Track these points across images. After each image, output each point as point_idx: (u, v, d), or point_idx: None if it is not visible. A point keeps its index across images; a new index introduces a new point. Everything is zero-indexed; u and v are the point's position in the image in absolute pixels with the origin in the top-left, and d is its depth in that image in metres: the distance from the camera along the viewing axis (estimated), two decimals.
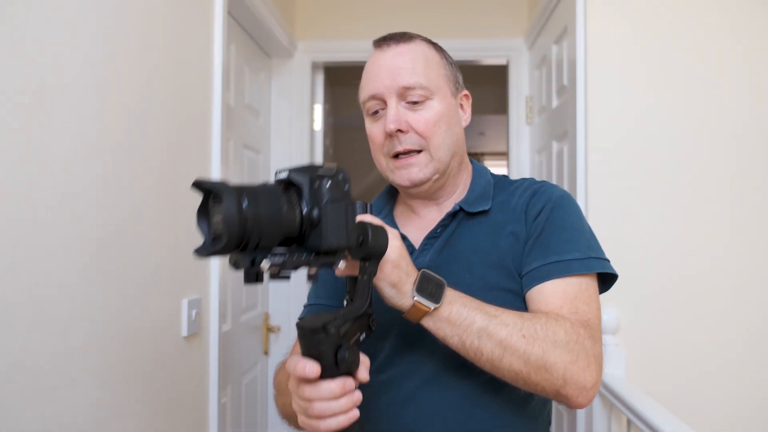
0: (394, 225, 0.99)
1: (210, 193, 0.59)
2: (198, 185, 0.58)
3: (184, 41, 1.45)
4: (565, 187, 1.90)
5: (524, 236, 0.91)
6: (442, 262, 0.91)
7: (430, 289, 0.77)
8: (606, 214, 1.69)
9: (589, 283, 0.88)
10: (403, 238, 0.94)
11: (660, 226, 1.69)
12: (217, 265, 1.61)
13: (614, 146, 1.71)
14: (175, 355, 1.40)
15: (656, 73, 1.70)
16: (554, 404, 1.99)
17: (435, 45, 0.97)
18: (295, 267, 0.63)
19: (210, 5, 1.63)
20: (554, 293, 0.85)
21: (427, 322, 0.78)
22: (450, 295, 0.78)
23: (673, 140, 1.69)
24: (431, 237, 0.94)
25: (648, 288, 1.67)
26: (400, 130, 0.89)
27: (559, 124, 1.98)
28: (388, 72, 0.91)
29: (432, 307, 0.76)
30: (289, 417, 0.90)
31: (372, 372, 0.89)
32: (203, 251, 0.58)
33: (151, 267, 1.28)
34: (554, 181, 2.05)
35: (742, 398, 1.65)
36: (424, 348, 0.88)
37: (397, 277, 0.75)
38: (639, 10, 1.72)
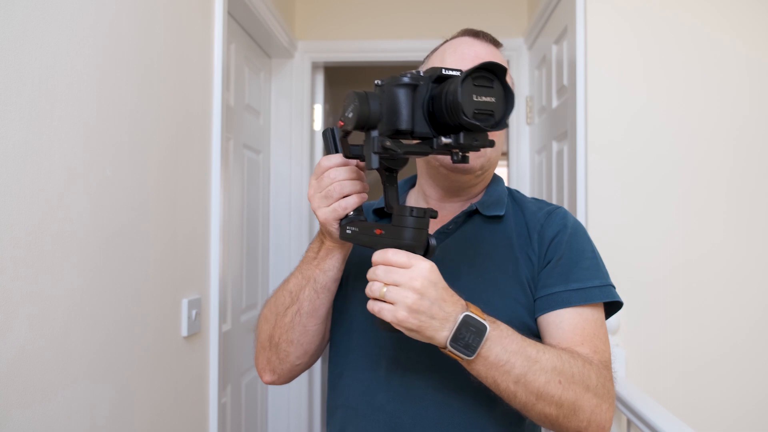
0: None
1: (488, 71, 0.66)
2: (487, 67, 0.65)
3: (184, 41, 1.45)
4: (565, 187, 1.90)
5: (537, 255, 0.92)
6: (450, 259, 0.91)
7: (473, 337, 0.73)
8: (606, 215, 1.69)
9: (602, 316, 0.91)
10: None
11: (660, 226, 1.69)
12: (217, 265, 1.61)
13: (614, 146, 1.71)
14: (175, 355, 1.40)
15: (656, 72, 1.71)
16: None
17: (507, 64, 0.99)
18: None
19: (210, 5, 1.63)
20: (574, 329, 0.86)
21: (461, 364, 0.76)
22: (491, 339, 0.74)
23: (673, 140, 1.69)
24: (442, 232, 0.94)
25: (648, 287, 1.67)
26: None
27: (559, 124, 1.98)
28: (486, 58, 0.91)
29: (466, 359, 0.74)
30: (277, 344, 0.93)
31: (370, 367, 0.91)
32: (500, 126, 0.67)
33: (151, 267, 1.28)
34: (554, 181, 2.05)
35: (742, 398, 1.66)
36: (421, 365, 0.89)
37: (419, 323, 0.72)
38: (639, 10, 1.72)
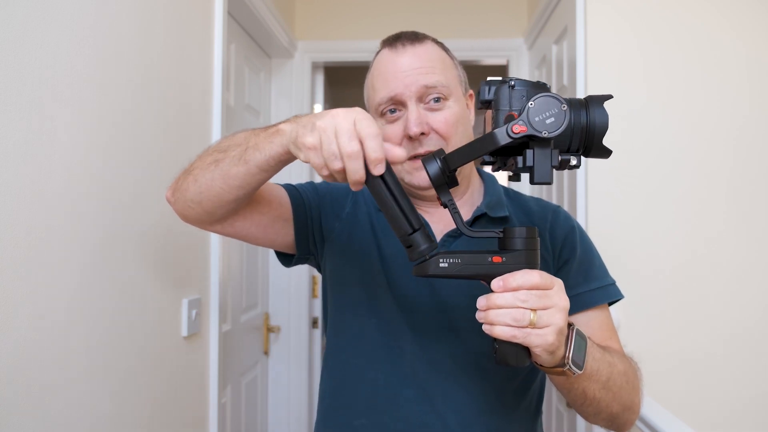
0: None
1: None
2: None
3: (184, 41, 1.45)
4: (565, 187, 1.91)
5: (550, 253, 0.93)
6: None
7: (581, 351, 0.72)
8: (606, 214, 1.69)
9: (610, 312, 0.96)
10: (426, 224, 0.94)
11: (660, 226, 1.69)
12: (217, 265, 1.61)
13: (614, 146, 1.69)
14: (175, 355, 1.40)
15: (656, 72, 1.71)
16: (554, 403, 1.99)
17: (443, 46, 0.96)
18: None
19: (210, 5, 1.63)
20: (601, 326, 0.91)
21: (560, 379, 0.75)
22: (588, 349, 0.74)
23: (672, 139, 1.69)
24: (451, 235, 0.93)
25: (648, 287, 1.67)
26: (422, 133, 0.88)
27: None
28: (407, 72, 0.89)
29: (577, 374, 0.72)
30: (189, 170, 0.86)
31: (392, 361, 0.91)
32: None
33: (151, 267, 1.28)
34: (554, 181, 2.05)
35: (742, 398, 1.65)
36: (447, 346, 0.90)
37: (559, 343, 0.68)
38: (639, 10, 1.72)
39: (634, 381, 0.84)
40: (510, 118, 0.67)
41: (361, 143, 0.65)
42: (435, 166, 0.70)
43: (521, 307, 0.65)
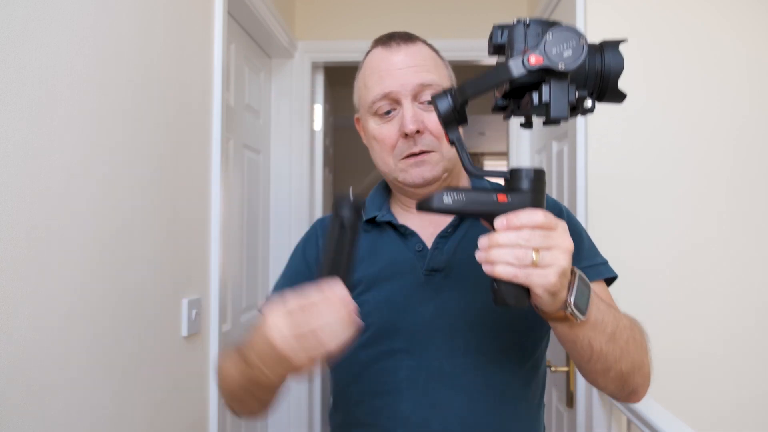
0: (395, 220, 0.98)
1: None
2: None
3: (184, 41, 1.45)
4: (565, 187, 1.91)
5: None
6: (458, 263, 0.91)
7: (584, 297, 0.70)
8: (606, 214, 1.69)
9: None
10: (413, 234, 0.94)
11: (659, 226, 1.69)
12: (217, 265, 1.61)
13: (614, 146, 1.71)
14: (175, 355, 1.40)
15: (656, 72, 1.71)
16: (554, 403, 1.99)
17: (433, 47, 0.97)
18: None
19: (210, 5, 1.63)
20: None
21: (563, 327, 0.73)
22: (592, 297, 0.72)
23: (673, 139, 1.69)
24: (442, 236, 0.93)
25: (647, 287, 1.67)
26: (418, 131, 0.89)
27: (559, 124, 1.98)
28: (402, 70, 0.89)
29: (580, 320, 0.70)
30: (238, 401, 0.86)
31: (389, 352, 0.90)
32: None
33: (151, 267, 1.28)
34: (554, 181, 2.05)
35: (742, 398, 1.65)
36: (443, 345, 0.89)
37: (562, 285, 0.66)
38: (639, 10, 1.72)
39: (641, 340, 0.82)
40: None
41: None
42: (446, 103, 0.69)
43: (524, 246, 0.63)
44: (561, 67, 0.61)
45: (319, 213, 2.75)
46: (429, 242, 0.94)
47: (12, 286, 0.86)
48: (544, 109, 0.64)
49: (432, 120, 0.89)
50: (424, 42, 0.96)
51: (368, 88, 0.93)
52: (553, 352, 1.88)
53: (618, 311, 0.81)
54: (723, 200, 1.68)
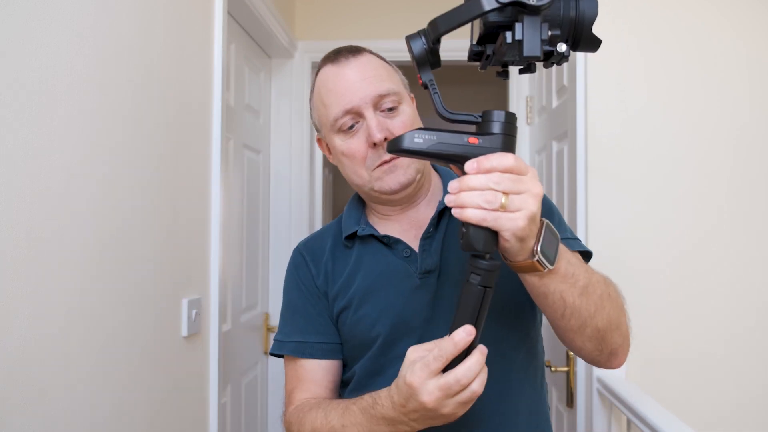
0: (376, 232, 0.97)
1: None
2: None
3: (184, 41, 1.45)
4: (565, 187, 1.90)
5: None
6: (448, 261, 0.92)
7: (552, 247, 0.70)
8: (606, 215, 1.69)
9: None
10: (398, 242, 0.95)
11: (659, 226, 1.69)
12: (217, 265, 1.61)
13: (614, 146, 1.71)
14: (175, 355, 1.40)
15: (656, 72, 1.71)
16: (554, 403, 1.99)
17: (378, 54, 0.98)
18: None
19: (210, 5, 1.63)
20: None
21: (533, 278, 0.72)
22: (560, 248, 0.72)
23: (673, 139, 1.69)
24: (426, 238, 0.94)
25: (647, 287, 1.67)
26: (385, 138, 0.89)
27: (559, 124, 1.98)
28: (358, 83, 0.90)
29: (548, 269, 0.70)
30: None
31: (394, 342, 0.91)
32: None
33: (151, 267, 1.28)
34: (554, 181, 2.05)
35: (742, 398, 1.65)
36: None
37: (530, 231, 0.66)
38: (638, 10, 1.72)
39: (616, 298, 0.81)
40: None
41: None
42: (419, 44, 0.68)
43: (493, 189, 0.63)
44: (533, 1, 0.61)
45: (319, 213, 2.75)
46: (414, 246, 0.95)
47: (12, 286, 0.86)
48: (516, 47, 0.63)
49: (397, 126, 0.90)
50: (371, 51, 0.97)
51: (328, 106, 0.93)
52: (554, 352, 1.88)
53: (591, 268, 0.80)
54: (723, 200, 1.68)
